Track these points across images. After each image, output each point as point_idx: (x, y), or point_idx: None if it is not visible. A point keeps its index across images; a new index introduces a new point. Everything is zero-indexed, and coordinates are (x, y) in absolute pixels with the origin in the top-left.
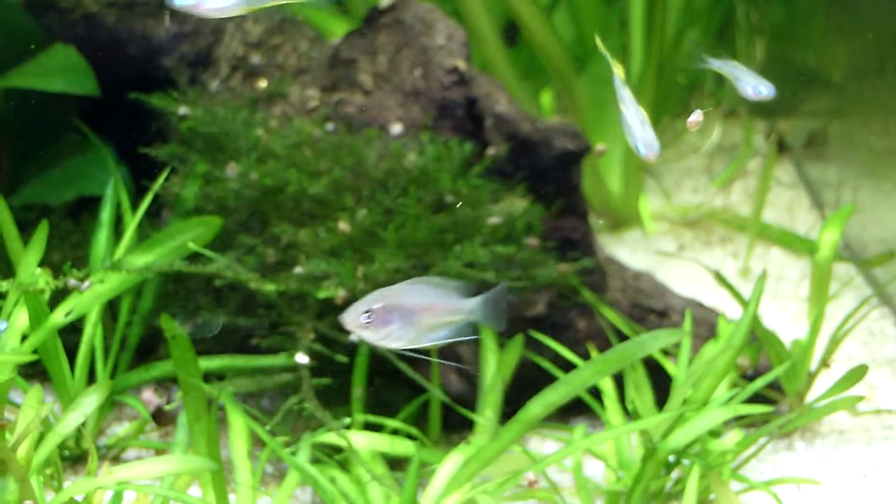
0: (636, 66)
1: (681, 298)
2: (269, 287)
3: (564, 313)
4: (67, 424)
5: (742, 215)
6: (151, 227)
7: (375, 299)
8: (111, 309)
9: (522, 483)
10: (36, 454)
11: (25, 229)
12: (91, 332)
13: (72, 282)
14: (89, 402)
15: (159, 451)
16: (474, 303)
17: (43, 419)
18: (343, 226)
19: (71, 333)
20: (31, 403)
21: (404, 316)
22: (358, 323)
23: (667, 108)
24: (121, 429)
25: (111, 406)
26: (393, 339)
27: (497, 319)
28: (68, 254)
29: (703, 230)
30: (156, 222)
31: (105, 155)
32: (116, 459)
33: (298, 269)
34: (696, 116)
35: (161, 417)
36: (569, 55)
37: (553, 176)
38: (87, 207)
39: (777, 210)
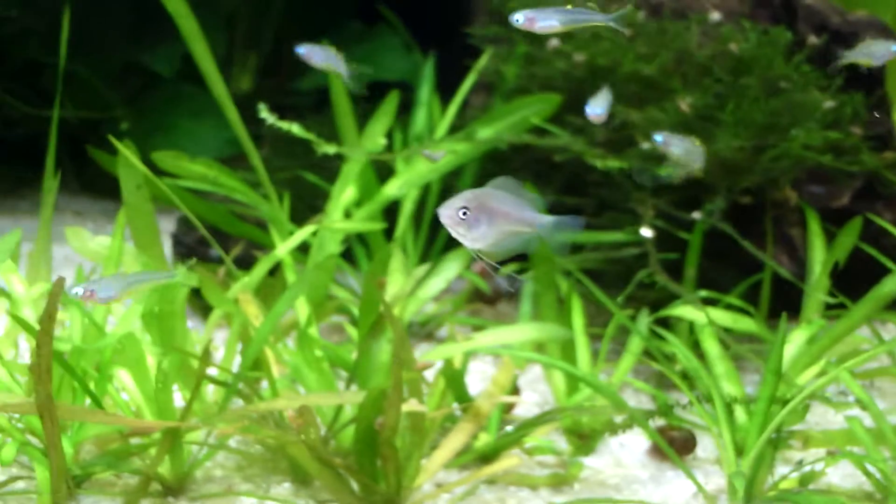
0: None
1: None
2: (613, 164)
3: (870, 205)
4: (430, 289)
5: None
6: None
7: (468, 199)
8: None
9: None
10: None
11: (304, 115)
12: (409, 210)
13: (425, 152)
14: (451, 269)
15: (476, 328)
16: (547, 220)
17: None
18: (684, 105)
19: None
20: (397, 266)
21: (490, 219)
22: (454, 219)
23: None
24: (429, 307)
25: None
26: (478, 239)
27: (562, 244)
28: None
29: None
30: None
31: (398, 42)
32: (430, 336)
33: (644, 145)
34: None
35: (486, 296)
36: None
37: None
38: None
39: None
